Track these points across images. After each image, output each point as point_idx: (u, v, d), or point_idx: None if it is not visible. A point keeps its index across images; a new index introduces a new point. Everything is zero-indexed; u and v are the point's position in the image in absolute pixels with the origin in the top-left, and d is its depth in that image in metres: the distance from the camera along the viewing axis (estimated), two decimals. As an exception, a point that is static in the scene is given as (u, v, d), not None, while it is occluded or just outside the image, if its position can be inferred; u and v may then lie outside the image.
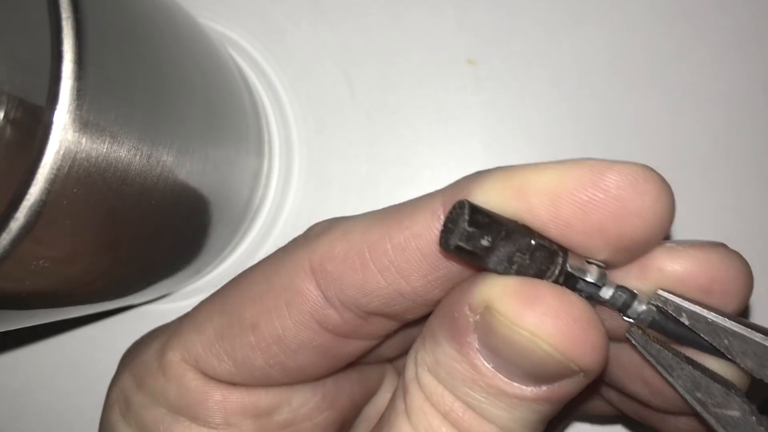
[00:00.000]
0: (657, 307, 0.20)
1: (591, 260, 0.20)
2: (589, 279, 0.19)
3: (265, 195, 0.37)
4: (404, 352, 0.27)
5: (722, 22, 0.37)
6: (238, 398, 0.25)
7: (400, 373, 0.23)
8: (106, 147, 0.21)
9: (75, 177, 0.20)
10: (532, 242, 0.19)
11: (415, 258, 0.20)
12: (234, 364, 0.24)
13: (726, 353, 0.20)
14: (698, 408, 0.21)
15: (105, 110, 0.21)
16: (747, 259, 0.21)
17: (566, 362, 0.18)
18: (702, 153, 0.37)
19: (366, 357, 0.27)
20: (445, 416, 0.20)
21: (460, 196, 0.19)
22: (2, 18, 0.20)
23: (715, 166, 0.37)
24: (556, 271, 0.19)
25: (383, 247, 0.21)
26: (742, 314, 0.21)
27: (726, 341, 0.20)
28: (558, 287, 0.19)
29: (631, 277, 0.20)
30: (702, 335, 0.20)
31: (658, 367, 0.21)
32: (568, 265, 0.19)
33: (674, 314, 0.20)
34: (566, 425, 0.33)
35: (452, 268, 0.21)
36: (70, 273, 0.24)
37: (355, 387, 0.28)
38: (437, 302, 0.21)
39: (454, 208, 0.19)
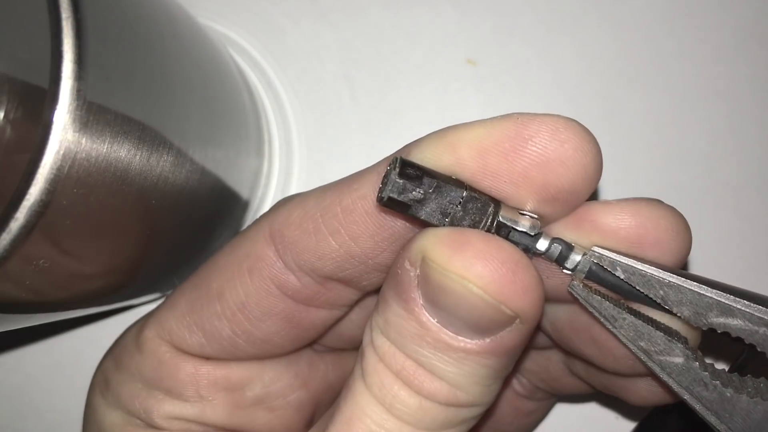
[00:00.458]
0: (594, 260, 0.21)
1: (524, 212, 0.20)
2: (521, 229, 0.20)
3: (265, 195, 0.37)
4: None
5: (723, 21, 0.37)
6: (209, 371, 0.25)
7: None
8: (106, 147, 0.21)
9: (75, 177, 0.20)
10: (464, 194, 0.20)
11: (362, 219, 0.21)
12: (203, 335, 0.24)
13: (662, 304, 0.21)
14: (642, 357, 0.21)
15: (105, 110, 0.21)
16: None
17: (498, 305, 0.19)
18: (702, 153, 0.37)
19: (336, 335, 0.27)
20: (397, 375, 0.20)
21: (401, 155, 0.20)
22: (2, 18, 0.20)
23: (715, 166, 0.37)
24: (488, 222, 0.20)
25: (333, 211, 0.22)
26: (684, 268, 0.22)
27: (661, 292, 0.20)
28: (488, 234, 0.19)
29: (568, 231, 0.21)
30: (638, 288, 0.21)
31: (601, 319, 0.21)
32: (500, 216, 0.20)
33: (609, 269, 0.21)
34: (550, 406, 0.33)
35: (397, 228, 0.21)
36: (70, 273, 0.24)
37: (330, 370, 0.28)
38: (388, 267, 0.22)
39: (389, 164, 0.19)
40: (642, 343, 0.21)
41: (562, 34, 0.37)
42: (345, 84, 0.38)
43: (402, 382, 0.20)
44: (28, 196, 0.20)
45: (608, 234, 0.21)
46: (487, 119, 0.20)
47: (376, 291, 0.23)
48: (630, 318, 0.21)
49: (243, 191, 0.34)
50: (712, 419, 0.20)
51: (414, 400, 0.20)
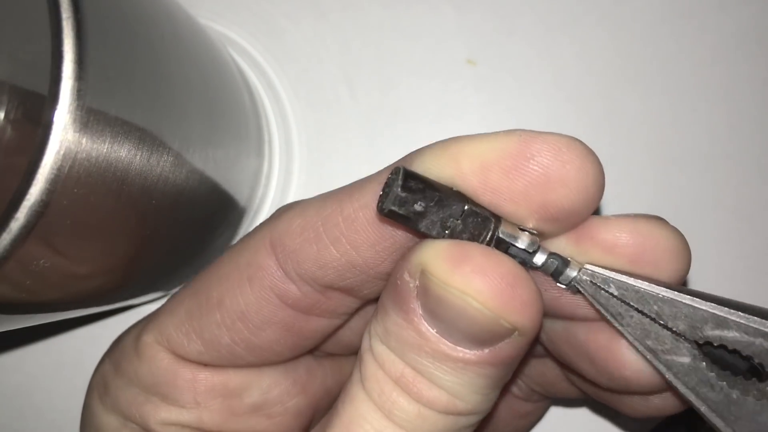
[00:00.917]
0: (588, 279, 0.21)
1: (524, 228, 0.20)
2: (519, 245, 0.20)
3: (265, 195, 0.37)
4: None
5: (722, 21, 0.37)
6: (207, 377, 0.25)
7: None
8: (106, 147, 0.21)
9: (75, 177, 0.20)
10: (465, 207, 0.20)
11: (363, 228, 0.21)
12: (202, 342, 0.24)
13: (657, 319, 0.20)
14: (649, 356, 0.21)
15: (105, 110, 0.21)
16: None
17: (497, 319, 0.19)
18: (702, 153, 0.37)
19: (335, 341, 0.27)
20: (397, 382, 0.20)
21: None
22: (2, 18, 0.20)
23: (715, 166, 0.37)
24: (488, 236, 0.20)
25: (335, 220, 0.22)
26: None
27: (656, 307, 0.20)
28: (488, 248, 0.20)
29: (566, 245, 0.21)
30: (632, 304, 0.21)
31: (608, 316, 0.21)
32: (499, 231, 0.20)
33: (603, 286, 0.21)
34: (547, 407, 0.34)
35: (398, 237, 0.21)
36: (70, 273, 0.24)
37: (328, 376, 0.28)
38: (389, 276, 0.22)
39: (390, 174, 0.19)
40: (649, 342, 0.21)
41: (562, 34, 0.37)
42: (345, 84, 0.38)
43: (401, 389, 0.20)
44: (28, 196, 0.20)
45: (606, 250, 0.21)
46: (491, 133, 0.20)
47: (376, 299, 0.23)
48: (637, 316, 0.21)
49: (243, 191, 0.34)
50: (717, 421, 0.20)
51: (413, 407, 0.20)
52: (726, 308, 0.20)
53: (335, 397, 0.29)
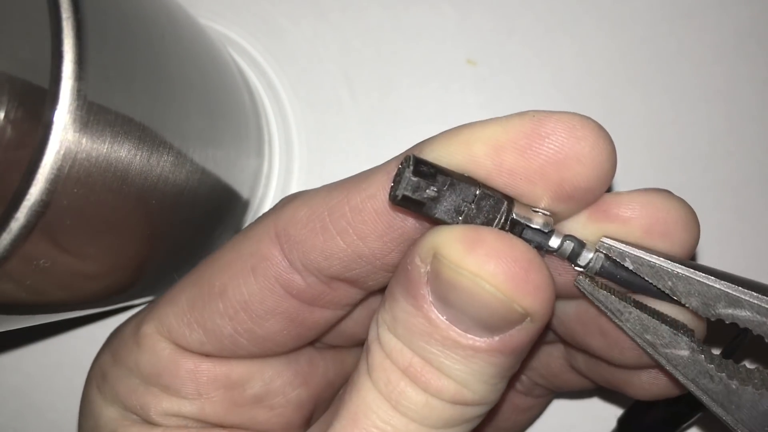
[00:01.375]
0: (605, 255, 0.21)
1: (537, 209, 0.20)
2: (534, 226, 0.20)
3: (265, 195, 0.37)
4: None
5: (723, 21, 0.37)
6: (209, 368, 0.25)
7: None
8: (106, 147, 0.21)
9: (75, 177, 0.20)
10: (478, 191, 0.19)
11: (371, 219, 0.21)
12: (204, 332, 0.24)
13: (671, 295, 0.21)
14: (648, 350, 0.21)
15: (105, 110, 0.21)
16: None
17: (510, 303, 0.19)
18: (702, 153, 0.37)
19: (337, 333, 0.27)
20: (405, 372, 0.20)
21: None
22: (2, 18, 0.20)
23: (715, 166, 0.37)
24: (502, 219, 0.20)
25: (342, 210, 0.22)
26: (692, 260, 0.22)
27: (670, 283, 0.21)
28: (502, 232, 0.19)
29: (580, 227, 0.21)
30: (647, 279, 0.21)
31: (607, 313, 0.21)
32: (513, 213, 0.20)
33: (618, 260, 0.21)
34: (548, 402, 0.34)
35: (406, 228, 0.21)
36: (70, 273, 0.24)
37: (330, 367, 0.28)
38: (396, 267, 0.22)
39: (401, 162, 0.19)
40: (648, 336, 0.21)
41: (562, 34, 0.37)
42: (345, 84, 0.38)
43: (409, 379, 0.20)
44: (28, 196, 0.20)
45: (618, 224, 0.21)
46: (501, 117, 0.20)
47: (381, 290, 0.23)
48: (636, 312, 0.21)
49: (243, 191, 0.34)
50: (718, 411, 0.21)
51: (420, 398, 0.20)
52: (739, 287, 0.20)
53: (337, 389, 0.29)
